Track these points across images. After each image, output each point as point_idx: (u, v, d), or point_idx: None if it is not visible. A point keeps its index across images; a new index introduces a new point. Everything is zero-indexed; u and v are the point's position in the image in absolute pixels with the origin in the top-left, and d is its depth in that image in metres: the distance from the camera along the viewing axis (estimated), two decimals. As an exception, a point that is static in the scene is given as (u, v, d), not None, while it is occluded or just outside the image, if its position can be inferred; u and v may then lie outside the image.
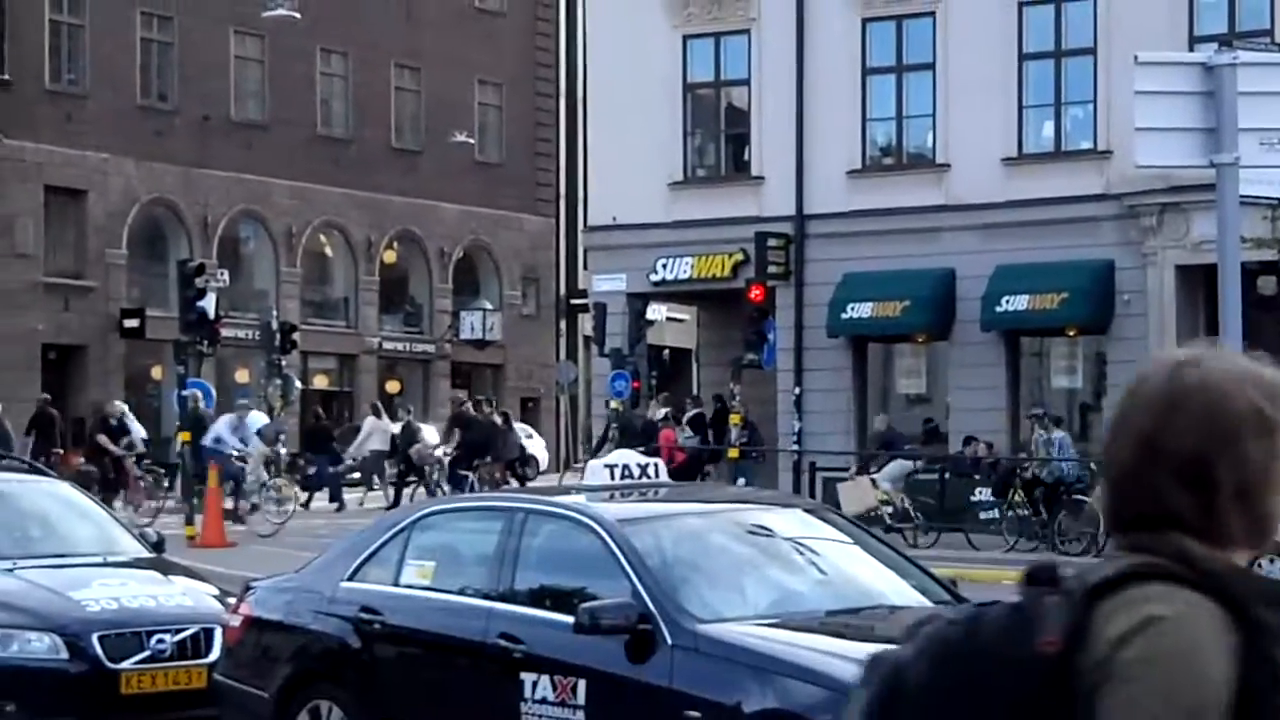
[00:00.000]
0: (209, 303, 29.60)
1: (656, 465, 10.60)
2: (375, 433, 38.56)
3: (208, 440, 31.22)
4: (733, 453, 31.81)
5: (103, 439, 32.79)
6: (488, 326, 55.90)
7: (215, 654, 11.43)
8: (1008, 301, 32.12)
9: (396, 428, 38.09)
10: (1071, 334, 33.19)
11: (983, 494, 29.13)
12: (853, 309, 33.50)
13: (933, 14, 33.55)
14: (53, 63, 47.61)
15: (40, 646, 11.47)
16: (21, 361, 46.42)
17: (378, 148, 54.46)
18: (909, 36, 33.90)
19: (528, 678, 9.30)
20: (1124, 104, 31.77)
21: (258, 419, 34.52)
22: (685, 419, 35.88)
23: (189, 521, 28.42)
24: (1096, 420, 33.45)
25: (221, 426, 32.03)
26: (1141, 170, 17.83)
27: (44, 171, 47.03)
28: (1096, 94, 32.34)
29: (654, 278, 35.81)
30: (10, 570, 12.27)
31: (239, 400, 36.01)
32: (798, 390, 34.38)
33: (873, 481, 30.08)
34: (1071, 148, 33.02)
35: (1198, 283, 30.53)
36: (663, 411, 35.30)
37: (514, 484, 33.52)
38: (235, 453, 31.04)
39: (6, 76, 45.84)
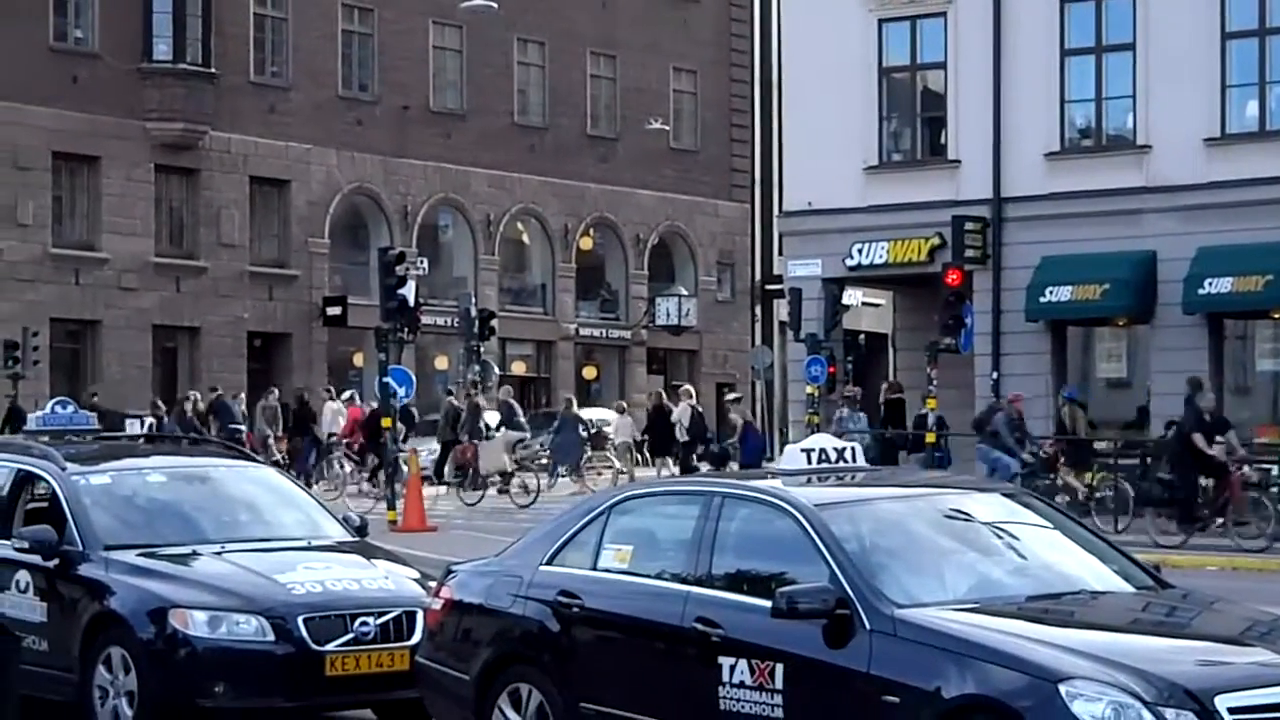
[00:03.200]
0: (409, 290, 29.93)
1: (854, 450, 10.54)
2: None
3: None
4: (929, 437, 31.63)
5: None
6: (683, 312, 56.03)
7: (417, 637, 11.57)
8: (1210, 284, 31.56)
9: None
10: (1277, 316, 32.56)
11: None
12: (1051, 292, 33.11)
13: (1133, -7, 33.05)
14: (257, 56, 48.48)
15: (247, 629, 11.68)
16: (228, 349, 47.37)
17: (574, 136, 54.79)
18: (1108, 16, 33.40)
19: (725, 661, 9.33)
20: (1331, 82, 31.19)
21: None
22: (881, 402, 35.82)
23: (390, 506, 28.82)
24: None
25: None
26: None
27: (249, 163, 47.90)
28: (1302, 72, 31.69)
29: (850, 262, 35.65)
30: (218, 554, 12.51)
31: None
32: (995, 375, 34.06)
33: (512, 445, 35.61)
34: (1276, 127, 32.34)
35: None
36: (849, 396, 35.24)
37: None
38: None
39: (213, 70, 46.73)
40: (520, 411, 39.08)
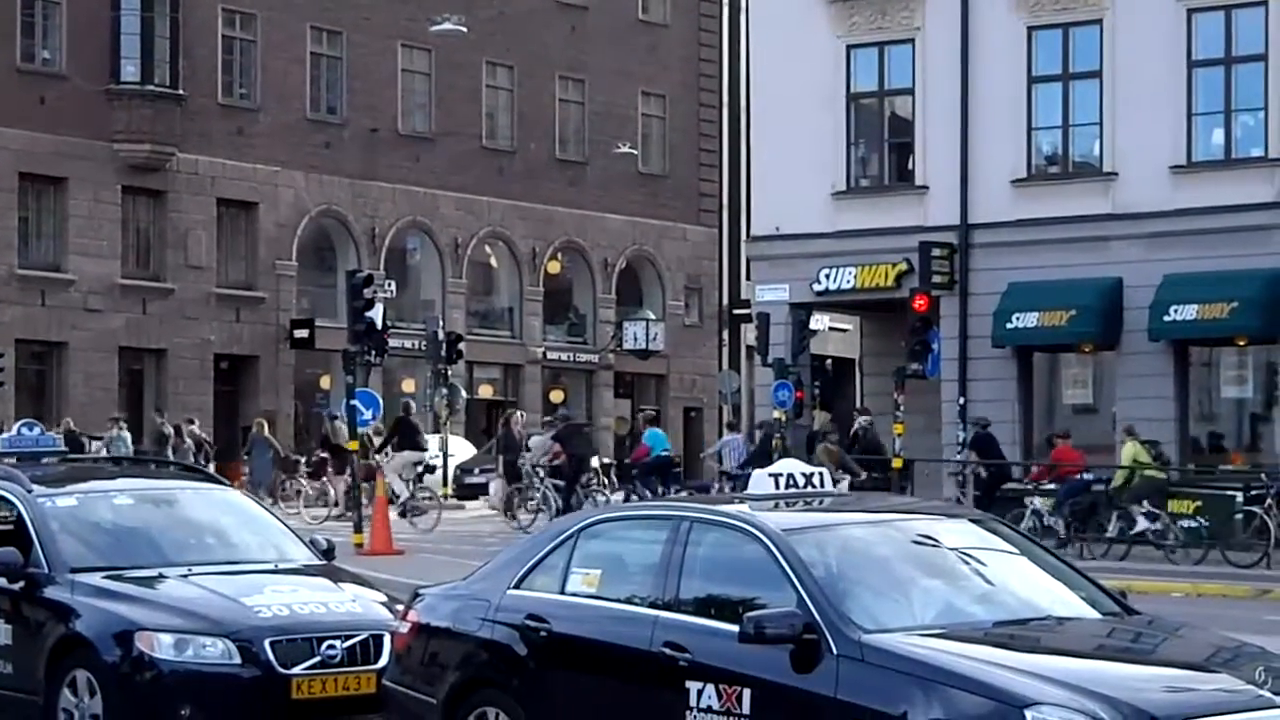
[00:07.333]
0: (377, 313, 29.87)
1: (822, 474, 10.55)
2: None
3: None
4: (897, 462, 31.67)
5: None
6: (651, 336, 56.04)
7: (384, 660, 11.56)
8: (1176, 311, 31.72)
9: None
10: (1241, 344, 32.71)
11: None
12: (1018, 318, 33.23)
13: (1099, 21, 33.21)
14: (225, 78, 48.44)
15: (214, 652, 11.65)
16: (195, 371, 47.26)
17: (542, 159, 54.83)
18: (1075, 44, 33.58)
19: (693, 686, 9.32)
20: (1296, 110, 31.37)
21: None
22: (852, 432, 35.83)
23: (357, 530, 28.75)
24: (1267, 431, 32.98)
25: None
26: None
27: (216, 185, 47.84)
28: (1268, 101, 31.85)
29: (817, 287, 35.73)
30: (185, 576, 12.48)
31: None
32: (962, 400, 34.16)
33: None
34: (1241, 155, 32.54)
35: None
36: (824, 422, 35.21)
37: None
38: None
39: (181, 91, 46.66)
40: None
